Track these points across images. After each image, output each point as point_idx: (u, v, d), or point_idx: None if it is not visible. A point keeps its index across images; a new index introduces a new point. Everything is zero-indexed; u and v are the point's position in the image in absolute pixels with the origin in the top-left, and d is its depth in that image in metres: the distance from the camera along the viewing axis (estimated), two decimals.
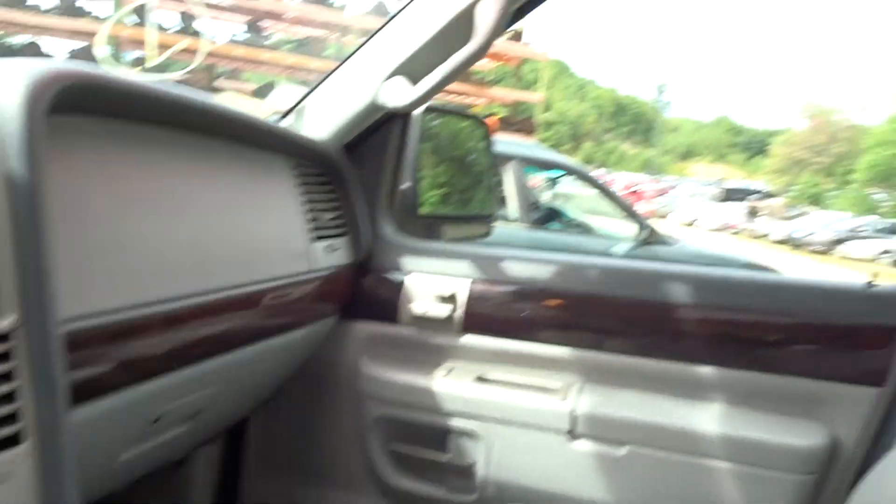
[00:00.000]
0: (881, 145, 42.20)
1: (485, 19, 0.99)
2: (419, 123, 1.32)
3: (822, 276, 1.28)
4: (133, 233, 0.77)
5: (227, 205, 0.95)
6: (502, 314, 1.22)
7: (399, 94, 1.11)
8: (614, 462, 1.15)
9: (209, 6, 19.18)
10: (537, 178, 6.44)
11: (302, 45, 20.55)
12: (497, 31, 0.99)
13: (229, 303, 0.92)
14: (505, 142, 5.39)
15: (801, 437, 1.08)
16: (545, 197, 6.14)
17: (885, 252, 19.69)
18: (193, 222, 0.87)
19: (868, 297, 1.09)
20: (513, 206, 4.54)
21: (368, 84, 1.15)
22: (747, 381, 1.11)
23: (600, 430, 1.16)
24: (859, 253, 20.21)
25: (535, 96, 21.76)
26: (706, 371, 1.13)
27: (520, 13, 1.14)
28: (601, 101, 79.06)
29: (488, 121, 1.57)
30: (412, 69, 1.11)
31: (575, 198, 6.03)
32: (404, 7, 1.13)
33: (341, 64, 1.20)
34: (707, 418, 1.12)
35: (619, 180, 28.92)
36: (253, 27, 19.76)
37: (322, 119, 1.20)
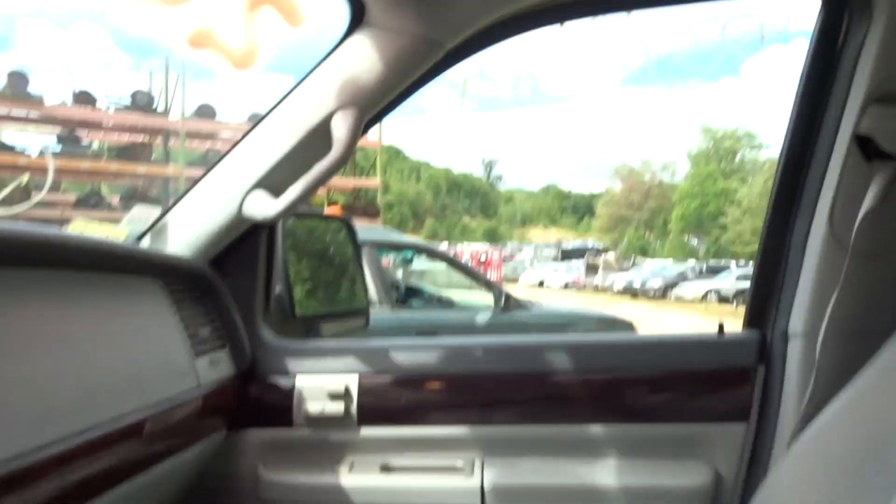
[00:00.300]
0: (686, 198, 47.57)
1: (341, 130, 1.05)
2: (282, 228, 1.33)
3: (679, 331, 1.43)
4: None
5: (98, 335, 0.91)
6: (395, 402, 1.24)
7: (263, 206, 1.11)
8: None
9: (13, 119, 18.01)
10: (390, 260, 6.55)
11: (125, 151, 19.72)
12: (354, 140, 1.05)
13: (112, 436, 0.87)
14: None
15: (687, 477, 1.19)
16: (402, 277, 6.24)
17: (710, 291, 21.84)
18: (62, 360, 0.82)
19: (721, 345, 1.24)
20: (373, 291, 4.57)
21: (230, 198, 1.15)
22: (633, 433, 1.21)
23: (509, 499, 1.20)
24: (689, 294, 22.24)
25: (373, 181, 22.25)
26: (595, 429, 1.21)
27: (372, 121, 1.20)
28: (437, 181, 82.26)
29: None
30: (273, 181, 1.13)
31: (430, 274, 6.18)
32: (259, 121, 1.15)
33: (199, 180, 1.19)
34: (604, 473, 1.20)
35: (466, 251, 29.97)
36: (68, 137, 18.73)
37: (185, 235, 1.18)
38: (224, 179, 1.17)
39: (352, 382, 1.23)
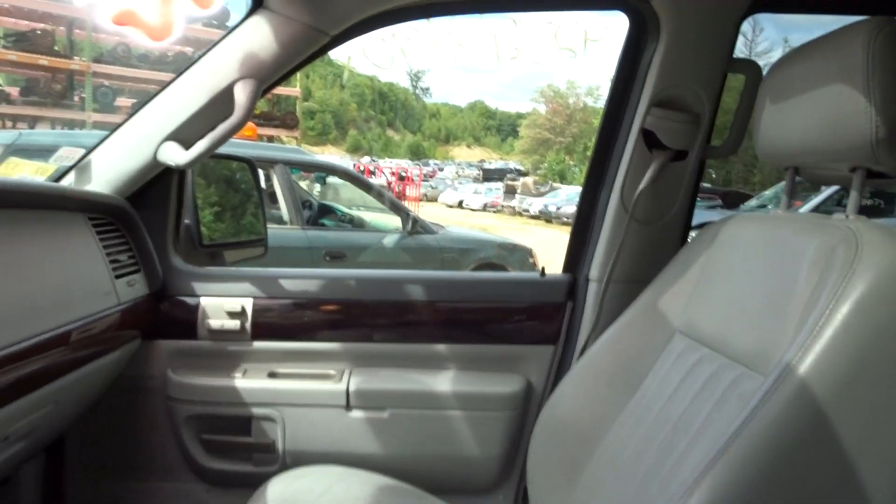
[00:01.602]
0: None
1: (241, 97, 1.27)
2: (192, 169, 1.54)
3: (515, 273, 1.78)
4: None
5: (32, 263, 1.11)
6: (283, 322, 1.52)
7: (175, 154, 1.33)
8: (380, 422, 1.51)
9: None
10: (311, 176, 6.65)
11: (23, 40, 18.30)
12: (252, 106, 1.28)
13: (45, 343, 1.09)
14: (269, 146, 5.54)
15: (507, 385, 1.53)
16: (315, 194, 6.39)
17: None
18: (1, 284, 1.02)
19: (541, 284, 1.57)
20: (284, 209, 4.74)
21: (146, 145, 1.36)
22: (468, 352, 1.54)
23: (368, 401, 1.51)
24: None
25: (293, 90, 21.68)
26: (441, 348, 1.53)
27: (268, 89, 1.41)
28: (361, 90, 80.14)
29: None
30: (184, 134, 1.34)
31: (345, 190, 6.35)
32: (173, 80, 1.35)
33: (119, 126, 1.38)
34: (444, 382, 1.53)
35: (387, 166, 29.91)
36: None
37: (106, 175, 1.38)
38: (141, 128, 1.37)
39: (247, 304, 1.50)
